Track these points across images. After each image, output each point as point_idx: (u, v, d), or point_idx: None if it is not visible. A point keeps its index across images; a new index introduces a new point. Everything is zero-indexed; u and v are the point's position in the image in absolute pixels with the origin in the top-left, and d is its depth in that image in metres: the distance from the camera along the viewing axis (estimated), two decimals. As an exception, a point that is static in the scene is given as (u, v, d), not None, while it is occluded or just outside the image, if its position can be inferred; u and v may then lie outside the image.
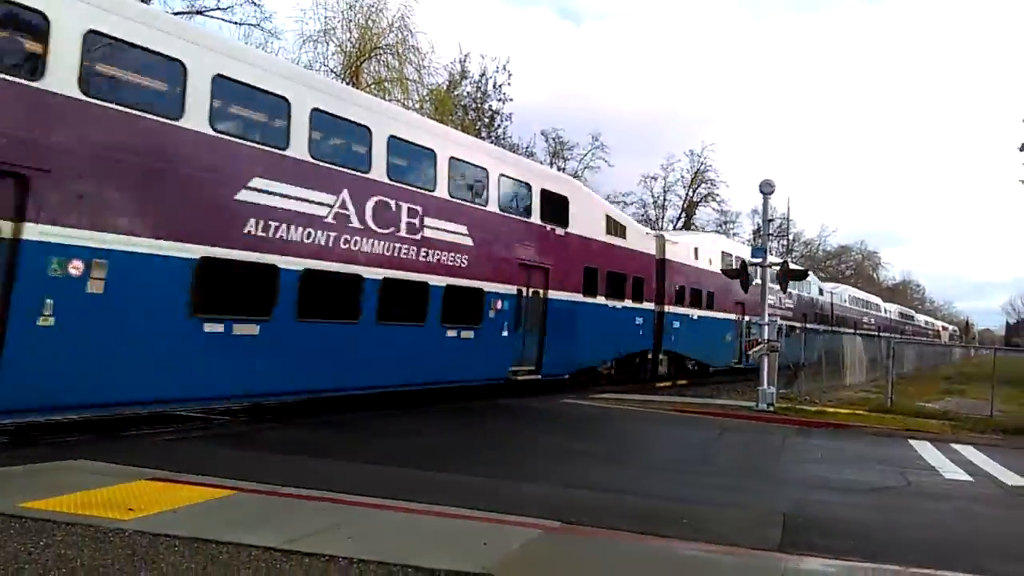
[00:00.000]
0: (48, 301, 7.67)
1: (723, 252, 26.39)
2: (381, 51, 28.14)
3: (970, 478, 10.11)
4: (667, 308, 22.32)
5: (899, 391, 19.42)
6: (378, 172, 11.85)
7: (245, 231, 9.71)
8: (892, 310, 59.65)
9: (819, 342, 22.96)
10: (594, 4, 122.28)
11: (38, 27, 7.69)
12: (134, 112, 8.53)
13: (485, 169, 14.53)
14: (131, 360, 8.48)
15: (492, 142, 30.07)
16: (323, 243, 10.80)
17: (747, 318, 25.74)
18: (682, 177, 50.23)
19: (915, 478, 9.76)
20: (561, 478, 8.14)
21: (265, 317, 10.03)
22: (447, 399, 13.92)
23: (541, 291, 15.95)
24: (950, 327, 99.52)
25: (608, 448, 10.85)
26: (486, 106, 34.82)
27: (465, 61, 34.01)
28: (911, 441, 13.31)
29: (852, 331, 37.81)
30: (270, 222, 10.01)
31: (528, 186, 15.84)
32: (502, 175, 14.89)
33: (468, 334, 13.84)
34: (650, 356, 22.06)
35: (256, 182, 9.86)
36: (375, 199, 11.71)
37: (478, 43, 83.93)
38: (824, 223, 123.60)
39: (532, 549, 5.23)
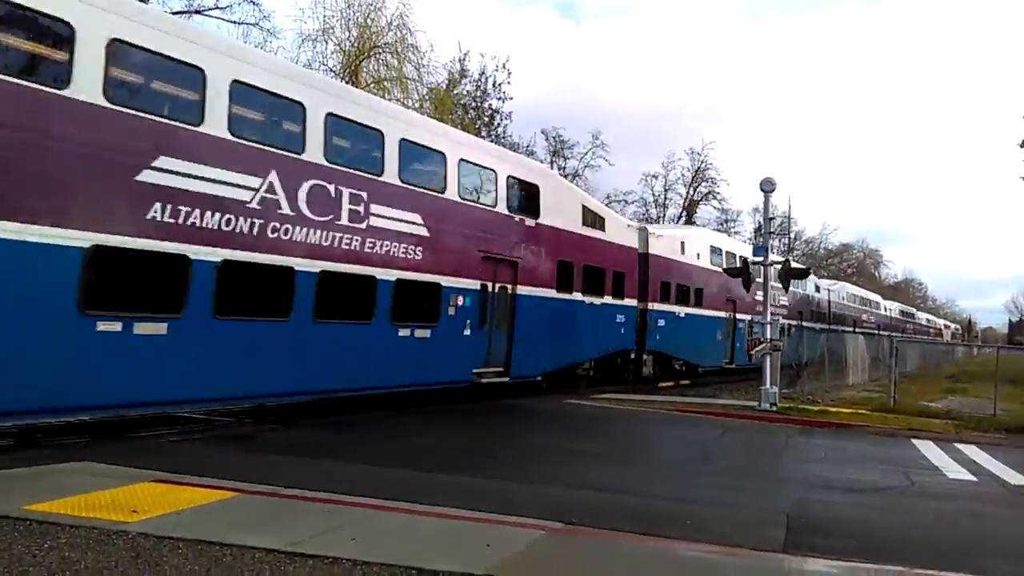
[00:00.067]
0: None
1: (712, 246, 25.24)
2: (380, 50, 28.16)
3: (973, 478, 10.11)
4: (651, 305, 21.10)
5: (902, 390, 19.43)
6: (314, 154, 10.76)
7: (148, 216, 8.65)
8: (892, 308, 59.23)
9: (820, 341, 22.90)
10: (594, 2, 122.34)
11: None
12: None
13: (443, 153, 13.37)
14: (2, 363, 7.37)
15: (492, 141, 30.05)
16: (246, 231, 9.73)
17: (739, 316, 25.05)
18: (683, 175, 50.43)
19: (918, 478, 9.76)
20: (563, 479, 8.14)
21: (175, 315, 9.00)
22: (447, 400, 13.91)
23: (509, 287, 14.91)
24: (952, 325, 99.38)
25: (610, 448, 10.87)
26: (486, 105, 34.85)
27: (464, 60, 34.05)
28: (914, 440, 13.31)
29: (851, 329, 37.65)
30: (179, 207, 8.92)
31: (493, 172, 14.67)
32: (462, 159, 13.77)
33: (424, 333, 12.76)
34: (633, 356, 21.17)
35: (162, 161, 8.79)
36: (310, 183, 10.62)
37: (477, 42, 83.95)
38: (825, 221, 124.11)
39: (535, 550, 5.24)
